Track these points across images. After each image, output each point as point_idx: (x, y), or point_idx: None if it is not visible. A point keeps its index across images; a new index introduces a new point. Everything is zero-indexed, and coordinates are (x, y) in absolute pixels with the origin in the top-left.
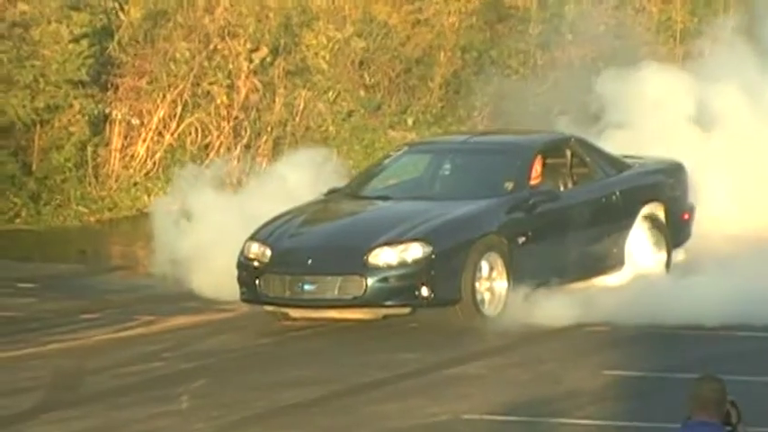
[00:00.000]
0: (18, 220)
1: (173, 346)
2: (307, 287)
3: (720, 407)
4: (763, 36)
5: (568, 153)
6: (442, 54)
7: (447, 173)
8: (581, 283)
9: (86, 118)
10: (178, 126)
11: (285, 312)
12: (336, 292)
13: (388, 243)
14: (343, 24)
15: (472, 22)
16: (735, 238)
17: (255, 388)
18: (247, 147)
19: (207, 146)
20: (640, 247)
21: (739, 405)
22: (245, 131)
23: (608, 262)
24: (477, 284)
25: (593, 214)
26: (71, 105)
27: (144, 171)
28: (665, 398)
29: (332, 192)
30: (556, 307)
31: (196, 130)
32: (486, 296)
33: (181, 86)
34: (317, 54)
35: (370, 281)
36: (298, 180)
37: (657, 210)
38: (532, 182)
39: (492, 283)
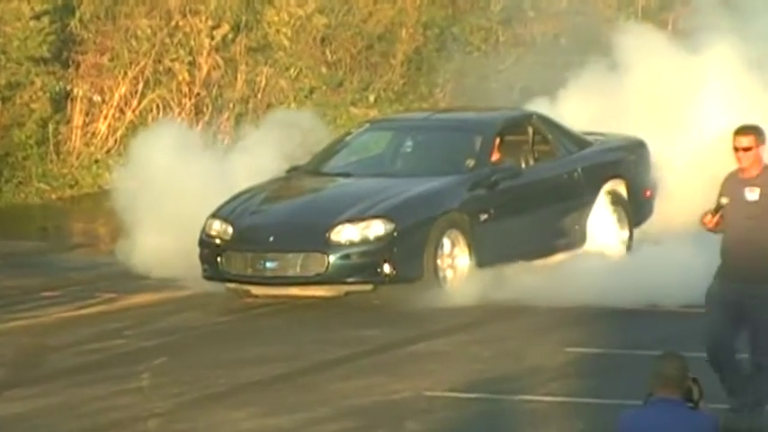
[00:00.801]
0: None
1: (134, 323)
2: (269, 264)
3: (682, 384)
4: (724, 14)
5: (530, 130)
6: (404, 31)
7: (409, 150)
8: (542, 261)
9: (48, 95)
10: (139, 103)
11: (247, 290)
12: (298, 269)
13: (350, 220)
14: (304, 1)
15: None
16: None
17: (217, 365)
18: (209, 124)
19: None
20: (602, 224)
21: (701, 382)
22: (207, 108)
23: (570, 239)
24: (439, 261)
25: (554, 191)
26: (32, 82)
27: (105, 148)
28: (626, 375)
29: (293, 169)
30: (518, 284)
31: (158, 106)
32: (449, 273)
33: (142, 63)
34: (278, 31)
35: (332, 258)
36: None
37: (619, 186)
38: (494, 159)
39: (454, 260)
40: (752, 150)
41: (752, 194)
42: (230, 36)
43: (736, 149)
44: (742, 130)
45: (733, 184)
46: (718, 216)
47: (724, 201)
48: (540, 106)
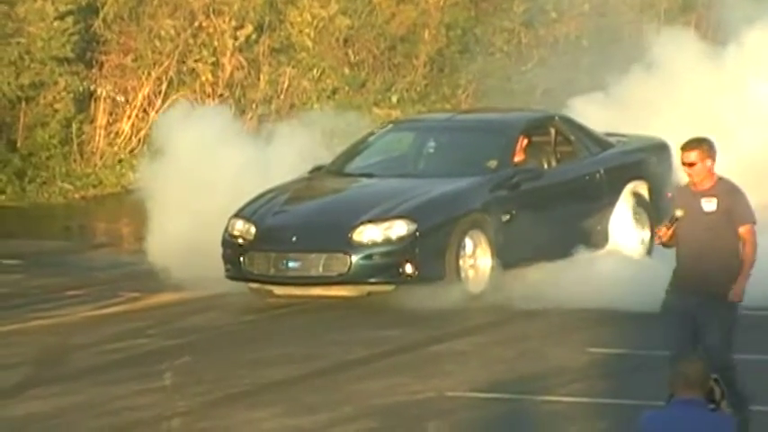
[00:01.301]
0: (3, 197)
1: (157, 323)
2: (291, 264)
3: (704, 385)
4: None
5: (552, 131)
6: (427, 32)
7: (431, 151)
8: (564, 261)
9: (71, 95)
10: (163, 103)
11: (269, 290)
12: (321, 269)
13: (373, 220)
14: (327, 2)
15: (457, 0)
16: None
17: (240, 365)
18: None
19: None
20: (624, 226)
21: (722, 382)
22: (230, 109)
23: (592, 240)
24: (461, 262)
25: (576, 192)
26: (56, 82)
27: (129, 148)
28: (648, 375)
29: (316, 169)
30: (539, 285)
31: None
32: (470, 273)
33: (166, 64)
34: (301, 31)
35: (355, 258)
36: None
37: (641, 188)
38: (516, 160)
39: (476, 260)
40: (698, 165)
41: (709, 205)
42: (253, 37)
43: (684, 164)
44: (688, 146)
45: (687, 197)
46: (671, 229)
47: (679, 213)
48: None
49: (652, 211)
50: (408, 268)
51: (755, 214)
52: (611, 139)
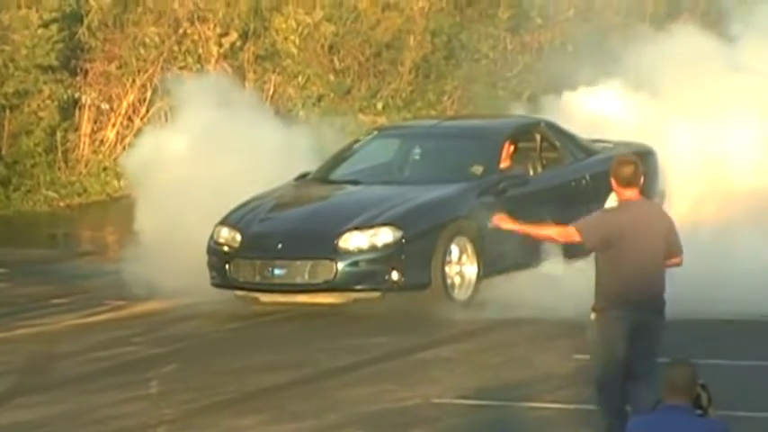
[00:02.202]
0: None
1: (142, 331)
2: (277, 272)
3: (691, 391)
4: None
5: (538, 137)
6: (412, 38)
7: (417, 157)
8: (550, 268)
9: (56, 103)
10: (148, 111)
11: (255, 297)
12: (307, 276)
13: (359, 227)
14: (312, 8)
15: (442, 6)
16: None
17: (226, 373)
18: None
19: None
20: None
21: (710, 388)
22: None
23: (578, 246)
24: (447, 269)
25: (562, 198)
26: (40, 90)
27: (113, 156)
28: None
29: (302, 176)
30: (525, 291)
31: (165, 114)
32: (457, 280)
33: (150, 71)
34: (286, 38)
35: (341, 265)
36: None
37: None
38: (502, 166)
39: (462, 267)
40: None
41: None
42: (238, 44)
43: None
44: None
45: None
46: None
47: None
48: None
49: None
50: (394, 275)
51: None
52: (597, 146)
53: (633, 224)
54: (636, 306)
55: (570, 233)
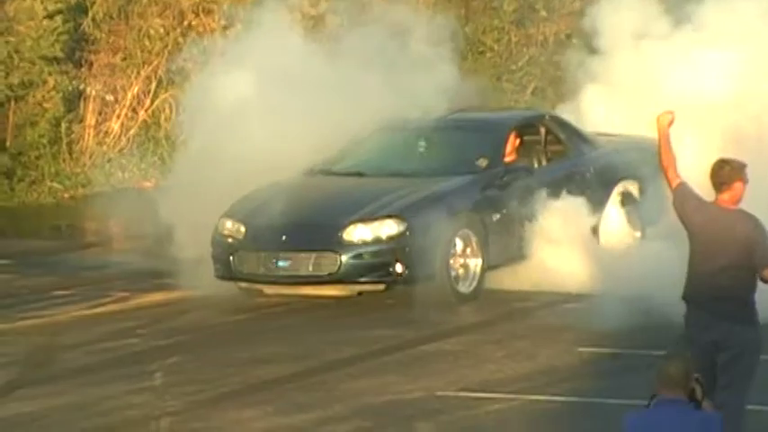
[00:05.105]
0: None
1: (147, 322)
2: (281, 264)
3: (686, 384)
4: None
5: (543, 130)
6: None
7: (422, 150)
8: (553, 261)
9: (61, 94)
10: (152, 102)
11: (259, 289)
12: (311, 268)
13: (363, 220)
14: (317, 1)
15: None
16: None
17: (230, 364)
18: None
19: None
20: (614, 225)
21: (704, 382)
22: None
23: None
24: (451, 261)
25: (567, 191)
26: (45, 81)
27: (118, 147)
28: (638, 375)
29: (307, 168)
30: (530, 284)
31: (170, 106)
32: (461, 273)
33: (155, 63)
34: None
35: (345, 257)
36: None
37: (631, 187)
38: (507, 159)
39: (466, 259)
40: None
41: None
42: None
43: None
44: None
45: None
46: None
47: None
48: None
49: (642, 210)
50: (398, 267)
51: None
52: (601, 139)
53: (703, 230)
54: (706, 310)
55: (672, 181)
